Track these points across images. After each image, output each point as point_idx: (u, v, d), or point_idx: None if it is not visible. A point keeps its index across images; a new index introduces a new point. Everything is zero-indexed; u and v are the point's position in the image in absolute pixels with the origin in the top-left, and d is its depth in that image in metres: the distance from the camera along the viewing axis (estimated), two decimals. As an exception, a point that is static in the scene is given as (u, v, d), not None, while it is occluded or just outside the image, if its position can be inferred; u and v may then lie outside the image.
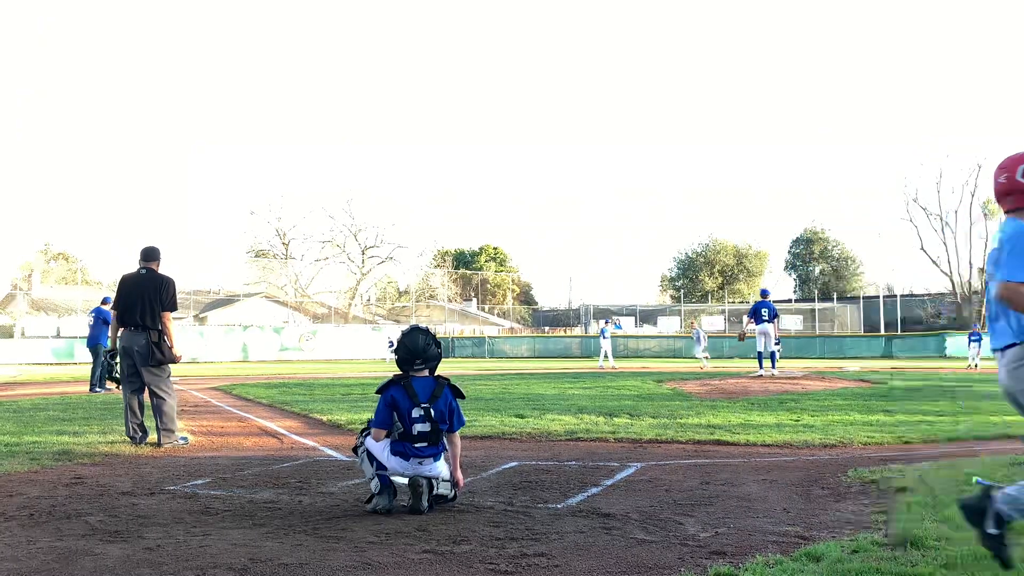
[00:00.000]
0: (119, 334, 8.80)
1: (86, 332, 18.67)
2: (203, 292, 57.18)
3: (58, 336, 39.41)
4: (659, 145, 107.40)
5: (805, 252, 72.33)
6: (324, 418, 10.98)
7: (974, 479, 5.72)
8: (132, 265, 8.99)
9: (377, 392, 5.36)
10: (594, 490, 5.89)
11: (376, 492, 5.17)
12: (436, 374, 5.42)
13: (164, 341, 8.60)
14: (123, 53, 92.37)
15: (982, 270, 50.98)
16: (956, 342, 39.81)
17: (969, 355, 28.34)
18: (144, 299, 8.57)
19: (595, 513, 5.06)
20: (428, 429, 5.20)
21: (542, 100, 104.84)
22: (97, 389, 16.38)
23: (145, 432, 8.58)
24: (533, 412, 11.21)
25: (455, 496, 5.37)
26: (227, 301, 57.07)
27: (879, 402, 12.53)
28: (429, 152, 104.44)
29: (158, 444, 8.38)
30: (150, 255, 8.87)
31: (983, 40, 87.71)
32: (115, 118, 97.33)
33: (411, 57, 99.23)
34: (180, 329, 21.54)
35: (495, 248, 79.32)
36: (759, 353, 20.08)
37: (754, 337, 20.26)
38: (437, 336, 5.52)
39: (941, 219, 52.58)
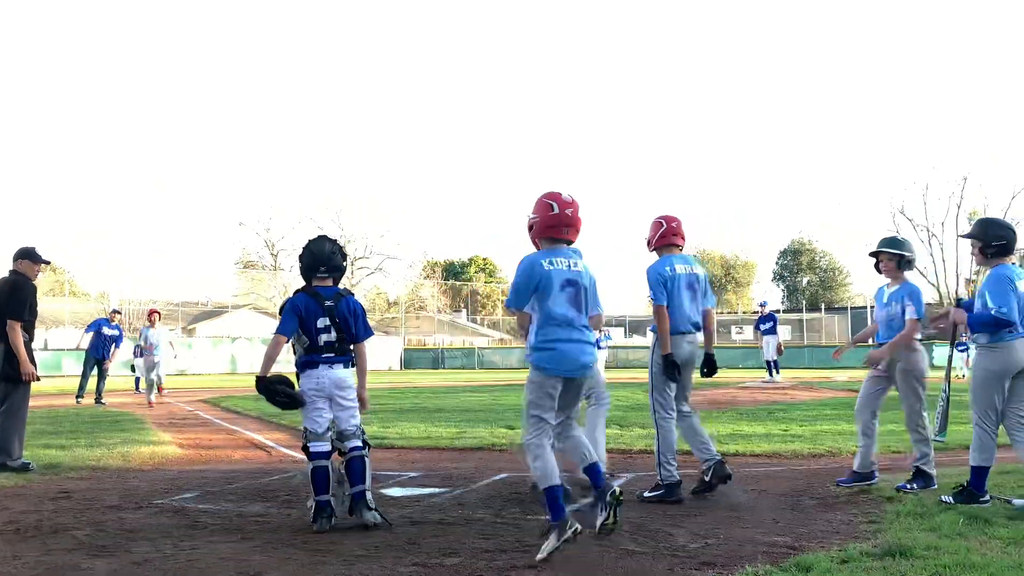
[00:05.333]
0: None
1: (75, 344, 18.96)
2: (191, 303, 56.80)
3: (45, 348, 39.01)
4: (646, 156, 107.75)
5: (793, 263, 72.67)
6: (313, 430, 10.93)
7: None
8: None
9: (280, 309, 5.34)
10: (584, 501, 5.88)
11: (312, 519, 4.99)
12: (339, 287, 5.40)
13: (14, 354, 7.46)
14: (109, 60, 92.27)
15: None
16: (943, 352, 40.02)
17: (956, 365, 28.55)
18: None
19: (585, 524, 5.05)
20: (334, 338, 5.18)
21: (531, 112, 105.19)
22: (103, 402, 16.61)
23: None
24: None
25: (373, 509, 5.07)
26: (215, 313, 56.72)
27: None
28: (419, 162, 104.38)
29: None
30: (19, 255, 7.80)
31: (970, 52, 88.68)
32: (103, 126, 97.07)
33: (400, 65, 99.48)
34: (174, 339, 21.22)
35: (484, 259, 79.26)
36: (767, 361, 22.34)
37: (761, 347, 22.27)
38: (344, 249, 5.55)
39: (928, 230, 52.84)
